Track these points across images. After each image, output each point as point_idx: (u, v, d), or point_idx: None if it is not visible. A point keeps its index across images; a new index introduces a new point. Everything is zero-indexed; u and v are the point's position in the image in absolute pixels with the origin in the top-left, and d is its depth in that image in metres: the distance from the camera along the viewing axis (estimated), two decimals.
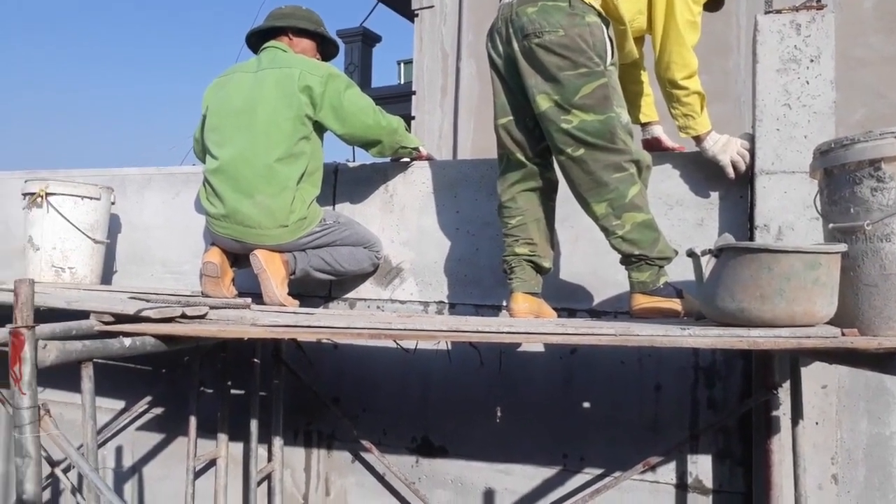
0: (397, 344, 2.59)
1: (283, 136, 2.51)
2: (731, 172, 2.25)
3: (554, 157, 2.16)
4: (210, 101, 2.68)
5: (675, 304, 2.02)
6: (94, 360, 1.73)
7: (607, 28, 2.06)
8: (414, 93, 5.57)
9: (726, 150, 2.23)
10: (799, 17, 2.22)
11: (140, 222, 3.30)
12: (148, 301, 2.17)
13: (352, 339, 2.62)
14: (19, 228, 3.45)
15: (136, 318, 1.95)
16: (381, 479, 2.64)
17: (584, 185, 2.04)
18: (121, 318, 1.97)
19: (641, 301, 2.04)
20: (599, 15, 2.05)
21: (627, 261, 2.06)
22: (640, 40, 2.37)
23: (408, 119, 6.89)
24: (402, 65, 14.15)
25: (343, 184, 2.93)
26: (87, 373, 1.69)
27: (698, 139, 2.24)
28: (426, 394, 2.61)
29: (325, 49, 2.85)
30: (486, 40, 2.25)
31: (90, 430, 1.66)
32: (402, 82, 12.66)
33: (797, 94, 2.20)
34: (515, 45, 2.08)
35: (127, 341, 1.80)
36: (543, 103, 2.05)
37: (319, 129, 2.61)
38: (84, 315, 1.99)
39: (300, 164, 2.55)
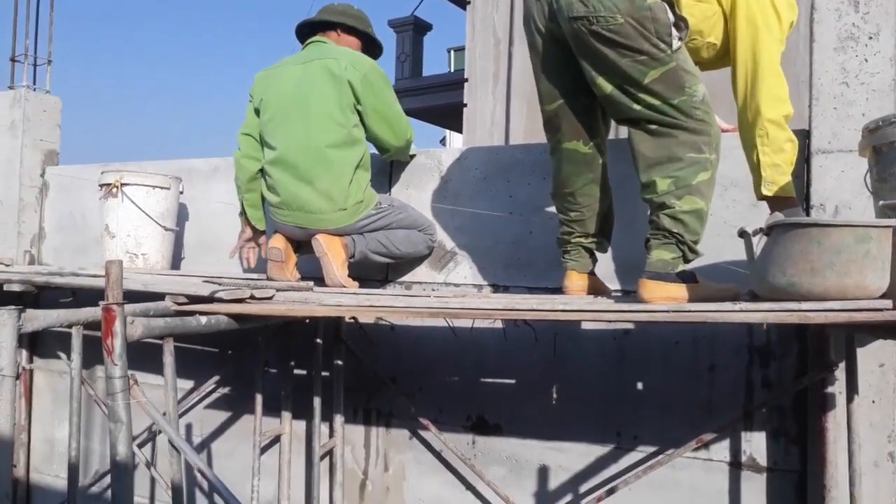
0: (450, 326, 2.67)
1: (336, 124, 2.61)
2: None
3: (627, 129, 2.01)
4: (261, 94, 2.78)
5: (682, 291, 1.88)
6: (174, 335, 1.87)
7: (671, 7, 1.89)
8: (466, 80, 5.62)
9: None
10: None
11: (206, 210, 3.45)
12: (219, 284, 2.30)
13: (411, 318, 2.72)
14: (94, 218, 3.66)
15: (209, 299, 2.08)
16: (437, 455, 2.73)
17: (653, 159, 1.91)
18: (194, 300, 2.10)
19: (650, 287, 1.88)
20: None
21: (658, 237, 1.92)
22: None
23: (459, 107, 6.94)
24: (452, 52, 14.20)
25: (398, 171, 3.02)
26: (169, 348, 1.82)
27: (778, 204, 1.97)
28: (481, 373, 2.69)
29: (370, 51, 2.94)
30: (524, 25, 2.16)
31: (172, 399, 1.79)
32: (453, 70, 12.71)
33: (855, 72, 2.18)
34: (563, 25, 1.96)
35: (203, 319, 1.93)
36: (606, 86, 1.93)
37: (361, 117, 2.71)
38: (159, 297, 2.14)
39: (356, 150, 2.66)
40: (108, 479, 3.35)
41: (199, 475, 3.13)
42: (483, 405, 2.67)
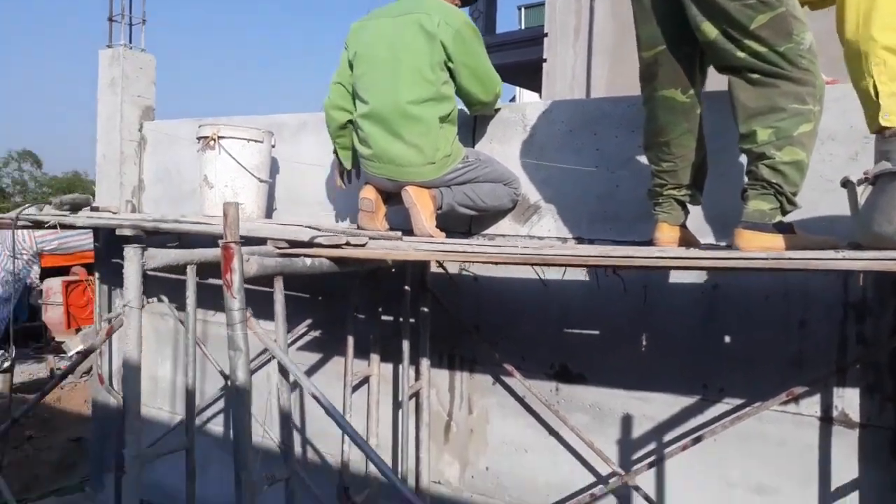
0: (538, 275, 2.72)
1: (425, 81, 2.65)
2: None
3: (728, 78, 1.98)
4: (355, 47, 2.83)
5: (779, 241, 1.87)
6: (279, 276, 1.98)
7: None
8: (546, 35, 5.54)
9: None
10: None
11: (296, 164, 3.57)
12: (318, 230, 2.41)
13: (494, 269, 2.78)
14: (188, 171, 3.84)
15: (308, 244, 2.19)
16: (520, 400, 2.81)
17: (755, 109, 1.88)
18: (294, 244, 2.22)
19: (747, 237, 1.90)
20: None
21: (756, 187, 1.91)
22: None
23: (531, 64, 6.84)
24: (523, 10, 14.01)
25: (482, 125, 3.04)
26: (279, 286, 1.95)
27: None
28: (565, 323, 2.73)
29: None
30: None
31: (282, 331, 1.92)
32: (524, 27, 12.52)
33: None
34: None
35: (308, 261, 2.05)
36: (711, 31, 1.91)
37: (452, 73, 2.74)
38: (261, 242, 2.27)
39: (444, 105, 2.70)
40: (207, 413, 3.59)
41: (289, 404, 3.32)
42: (567, 354, 2.72)
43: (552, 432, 2.73)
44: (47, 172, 35.77)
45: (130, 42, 4.37)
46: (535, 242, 2.83)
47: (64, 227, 3.12)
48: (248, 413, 1.70)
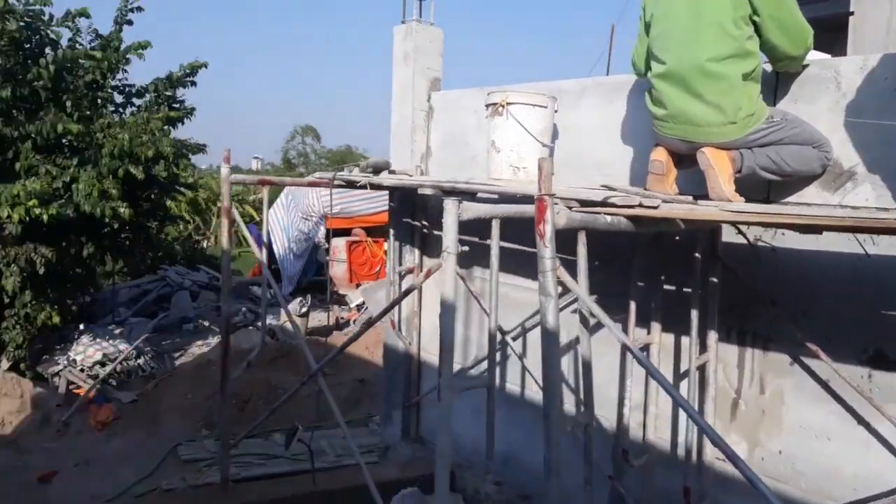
0: (862, 247, 2.44)
1: (728, 36, 2.51)
2: None
3: None
4: (651, 9, 2.77)
5: None
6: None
7: None
8: None
9: None
10: None
11: (575, 129, 3.60)
12: (613, 191, 2.42)
13: (796, 240, 2.57)
14: (471, 138, 4.06)
15: (601, 204, 2.21)
16: (824, 384, 2.57)
17: None
18: (585, 203, 2.25)
19: None
20: None
21: None
22: None
23: (831, 19, 6.08)
24: None
25: (785, 83, 2.79)
26: (582, 239, 2.00)
27: None
28: (881, 302, 2.43)
29: None
30: None
31: (583, 281, 1.97)
32: None
33: None
34: None
35: (608, 218, 2.07)
36: None
37: (757, 27, 2.56)
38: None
39: (748, 61, 2.54)
40: (484, 364, 3.81)
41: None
42: (884, 337, 2.42)
43: (862, 421, 2.46)
44: (325, 146, 40.48)
45: (420, 16, 4.70)
46: (849, 212, 2.55)
47: (373, 186, 3.49)
48: (559, 355, 1.77)
